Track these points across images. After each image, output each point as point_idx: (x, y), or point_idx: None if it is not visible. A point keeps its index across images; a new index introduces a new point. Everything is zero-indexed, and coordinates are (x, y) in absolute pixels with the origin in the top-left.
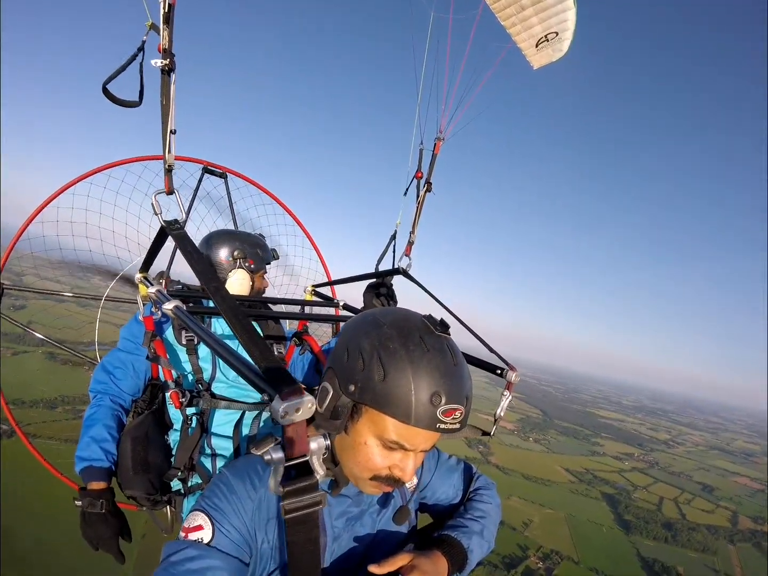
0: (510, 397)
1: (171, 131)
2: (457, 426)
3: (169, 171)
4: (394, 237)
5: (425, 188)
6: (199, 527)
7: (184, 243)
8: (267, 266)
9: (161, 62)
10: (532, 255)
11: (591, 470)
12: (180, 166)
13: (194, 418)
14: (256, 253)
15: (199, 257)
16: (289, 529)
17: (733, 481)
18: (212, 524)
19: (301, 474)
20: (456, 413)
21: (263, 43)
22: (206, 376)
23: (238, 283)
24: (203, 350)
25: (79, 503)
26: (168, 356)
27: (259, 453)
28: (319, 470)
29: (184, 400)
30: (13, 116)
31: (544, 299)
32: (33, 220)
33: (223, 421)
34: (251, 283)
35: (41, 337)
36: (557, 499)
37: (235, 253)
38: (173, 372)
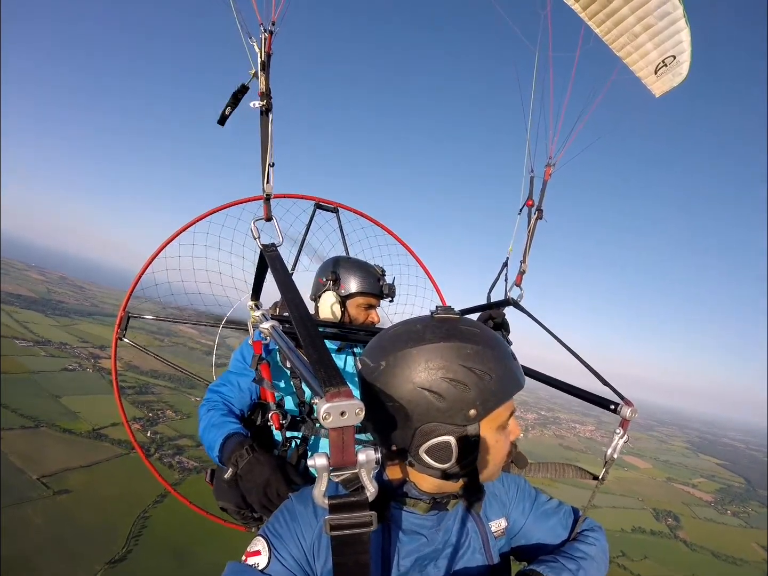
0: (625, 437)
1: (270, 164)
2: None
3: (267, 200)
4: (505, 264)
5: (536, 216)
6: (257, 552)
7: (275, 263)
8: (373, 299)
9: (260, 104)
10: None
11: None
12: (293, 203)
13: (294, 441)
14: (353, 278)
15: (285, 275)
16: (335, 548)
17: None
18: (269, 550)
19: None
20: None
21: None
22: (308, 397)
23: (324, 305)
24: None
25: (226, 473)
26: (274, 379)
27: (309, 464)
28: (370, 487)
29: (284, 422)
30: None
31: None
32: (157, 256)
33: (326, 449)
34: (342, 309)
35: (161, 359)
36: None
37: (330, 275)
38: (276, 394)
